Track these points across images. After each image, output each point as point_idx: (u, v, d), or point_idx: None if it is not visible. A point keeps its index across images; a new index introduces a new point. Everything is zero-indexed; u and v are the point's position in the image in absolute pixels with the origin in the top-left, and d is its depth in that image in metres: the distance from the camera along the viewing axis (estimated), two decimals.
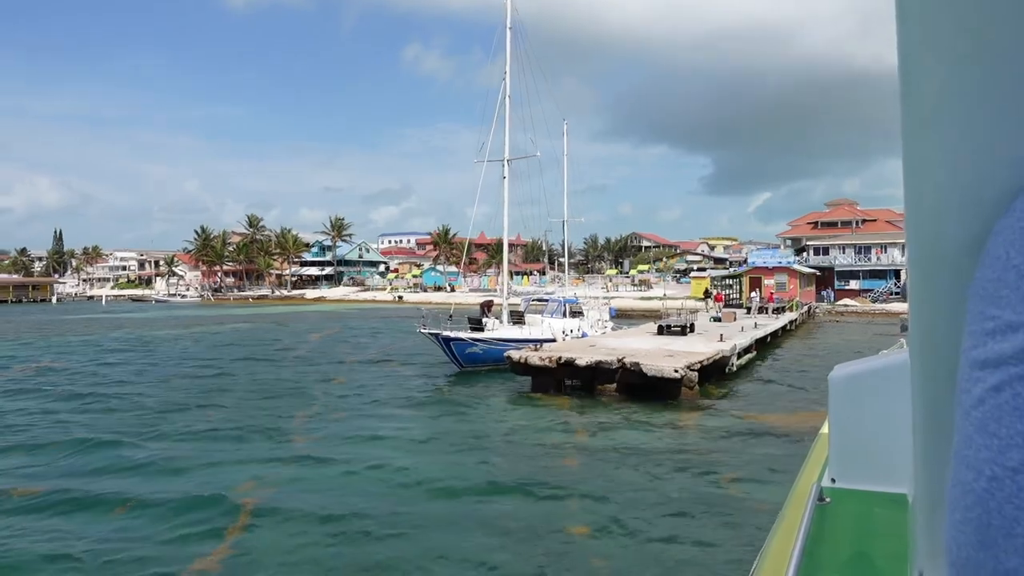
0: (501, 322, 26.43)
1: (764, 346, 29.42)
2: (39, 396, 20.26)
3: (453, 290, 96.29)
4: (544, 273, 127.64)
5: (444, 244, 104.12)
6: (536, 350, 20.58)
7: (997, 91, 0.56)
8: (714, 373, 21.24)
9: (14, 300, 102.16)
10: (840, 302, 59.39)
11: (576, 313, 31.94)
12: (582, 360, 18.97)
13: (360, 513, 10.06)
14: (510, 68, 26.77)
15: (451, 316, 24.16)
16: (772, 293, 39.45)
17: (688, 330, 26.52)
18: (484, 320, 26.31)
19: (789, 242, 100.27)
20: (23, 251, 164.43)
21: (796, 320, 40.86)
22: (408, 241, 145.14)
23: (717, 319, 33.52)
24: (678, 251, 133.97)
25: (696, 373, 18.41)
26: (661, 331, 26.13)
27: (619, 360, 18.76)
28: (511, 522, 9.64)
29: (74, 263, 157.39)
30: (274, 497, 10.75)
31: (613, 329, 31.11)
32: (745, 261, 49.86)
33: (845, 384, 2.92)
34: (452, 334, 23.21)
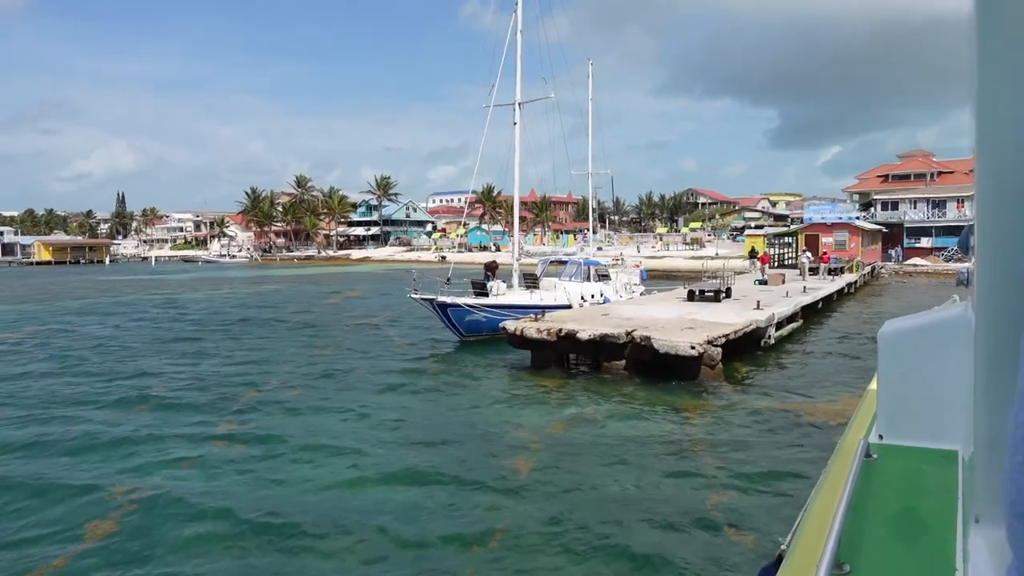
0: (511, 286, 23.78)
1: (815, 313, 25.97)
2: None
3: (498, 249, 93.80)
4: (595, 232, 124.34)
5: (488, 203, 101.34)
6: (538, 319, 17.91)
7: None
8: (747, 347, 18.20)
9: (72, 261, 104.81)
10: (909, 261, 54.40)
11: (604, 276, 29.01)
12: (585, 333, 16.22)
13: (273, 510, 8.42)
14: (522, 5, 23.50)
15: (448, 279, 21.61)
16: (826, 253, 35.47)
17: (723, 295, 23.33)
18: (488, 284, 23.73)
19: (856, 197, 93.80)
20: (88, 213, 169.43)
21: (856, 282, 36.86)
22: (458, 200, 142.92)
23: (763, 282, 30.04)
24: (736, 208, 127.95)
25: (719, 349, 15.45)
26: (692, 297, 23.02)
27: (628, 333, 15.93)
28: (430, 523, 8.10)
29: (134, 225, 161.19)
30: (176, 486, 9.30)
31: (642, 294, 28.09)
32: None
33: (895, 340, 2.89)
34: (449, 299, 20.72)
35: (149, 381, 16.41)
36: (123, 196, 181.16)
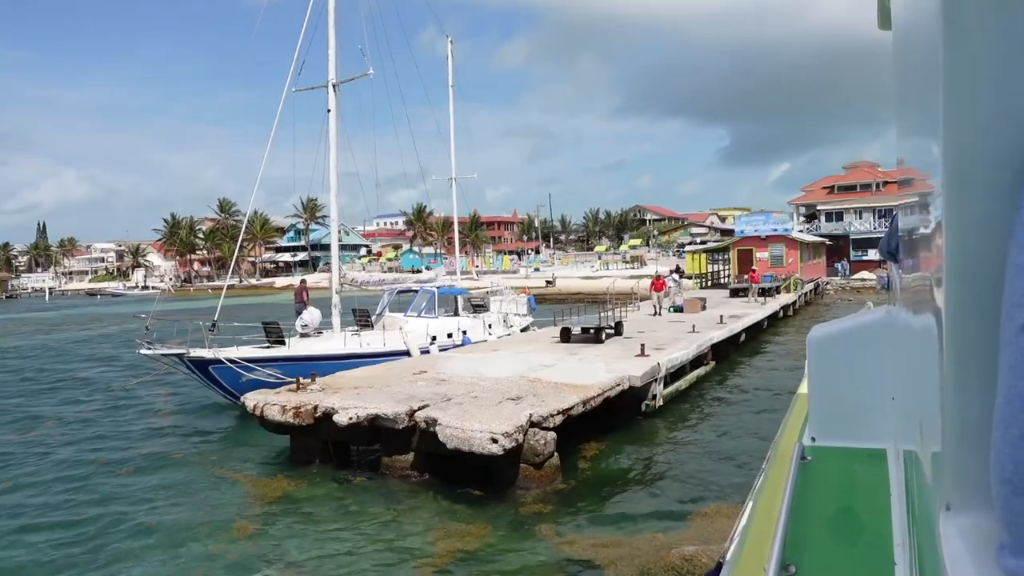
0: (310, 325, 17.80)
1: (735, 349, 20.51)
2: None
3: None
4: (539, 252, 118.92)
5: (419, 223, 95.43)
6: (300, 386, 11.94)
7: None
8: (619, 415, 12.56)
9: None
10: (856, 275, 49.93)
11: (479, 307, 23.20)
12: (346, 414, 10.30)
13: None
14: None
15: (215, 324, 15.51)
16: (755, 271, 30.21)
17: (610, 333, 17.71)
18: (301, 320, 17.75)
19: (803, 209, 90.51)
20: (5, 245, 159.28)
21: (795, 303, 31.73)
22: (397, 223, 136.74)
23: (678, 309, 24.58)
24: (683, 223, 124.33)
25: (551, 435, 9.72)
26: (566, 336, 17.33)
27: (410, 415, 10.09)
28: None
29: (53, 257, 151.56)
30: None
31: (524, 329, 22.31)
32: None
33: (823, 344, 2.95)
34: (208, 354, 14.61)
35: None
36: (44, 226, 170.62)
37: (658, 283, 22.89)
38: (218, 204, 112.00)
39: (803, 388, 4.11)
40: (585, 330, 17.35)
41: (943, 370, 0.72)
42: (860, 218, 57.10)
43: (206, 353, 14.64)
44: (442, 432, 9.43)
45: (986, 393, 0.64)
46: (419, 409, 10.21)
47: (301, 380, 12.24)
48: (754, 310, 25.12)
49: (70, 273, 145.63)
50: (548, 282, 66.03)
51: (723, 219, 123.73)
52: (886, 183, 68.85)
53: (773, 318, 27.08)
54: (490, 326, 21.41)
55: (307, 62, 18.31)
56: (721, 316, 20.78)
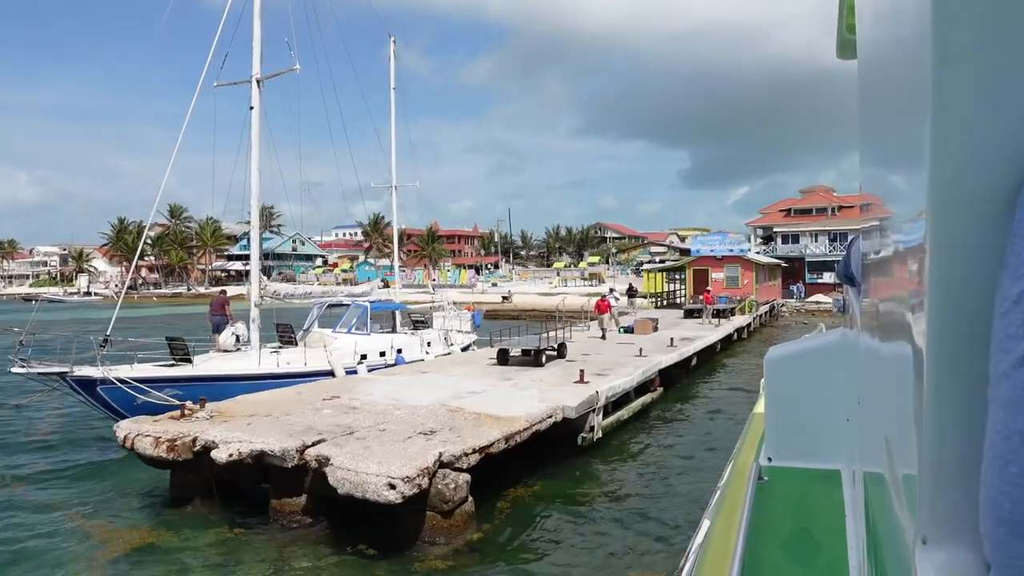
0: (242, 339, 16.24)
1: (686, 374, 19.45)
2: None
3: (387, 285, 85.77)
4: (498, 266, 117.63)
5: (376, 235, 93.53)
6: (183, 415, 10.38)
7: None
8: (552, 450, 11.29)
9: None
10: (812, 298, 49.76)
11: (419, 323, 21.80)
12: (226, 449, 8.80)
13: None
14: None
15: (107, 339, 13.84)
16: (709, 291, 29.33)
17: (552, 355, 16.47)
18: (224, 334, 16.19)
19: (760, 231, 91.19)
20: None
21: (750, 325, 30.97)
22: (355, 234, 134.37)
23: (628, 330, 23.48)
24: (643, 242, 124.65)
25: (464, 477, 8.37)
26: (503, 359, 16.02)
27: (300, 451, 8.65)
28: None
29: None
30: None
31: (465, 348, 20.93)
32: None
33: (780, 365, 2.96)
34: (96, 373, 12.93)
35: None
36: None
37: (602, 304, 21.45)
38: (168, 209, 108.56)
39: (759, 407, 4.14)
40: (526, 352, 16.06)
41: (921, 401, 0.70)
42: (816, 241, 57.21)
43: (93, 372, 12.95)
44: (333, 474, 8.02)
45: (967, 426, 0.64)
46: (312, 445, 8.78)
47: (188, 405, 10.68)
48: (707, 332, 24.16)
49: (10, 277, 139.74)
50: (504, 298, 64.80)
51: (683, 239, 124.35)
52: (841, 207, 69.52)
53: (727, 340, 26.18)
54: (429, 344, 19.99)
55: (232, 56, 16.81)
56: (672, 339, 19.70)
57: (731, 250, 36.03)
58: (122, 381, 12.75)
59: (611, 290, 24.94)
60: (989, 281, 0.61)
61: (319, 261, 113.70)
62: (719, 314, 28.63)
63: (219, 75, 16.59)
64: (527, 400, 11.58)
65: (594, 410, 12.13)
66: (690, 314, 30.24)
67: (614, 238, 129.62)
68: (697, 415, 15.63)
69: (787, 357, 3.02)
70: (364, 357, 17.21)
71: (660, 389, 16.37)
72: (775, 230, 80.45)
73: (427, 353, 19.07)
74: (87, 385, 12.95)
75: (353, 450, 8.52)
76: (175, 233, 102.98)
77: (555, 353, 16.74)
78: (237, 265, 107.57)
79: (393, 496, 7.60)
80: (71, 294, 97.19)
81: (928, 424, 0.70)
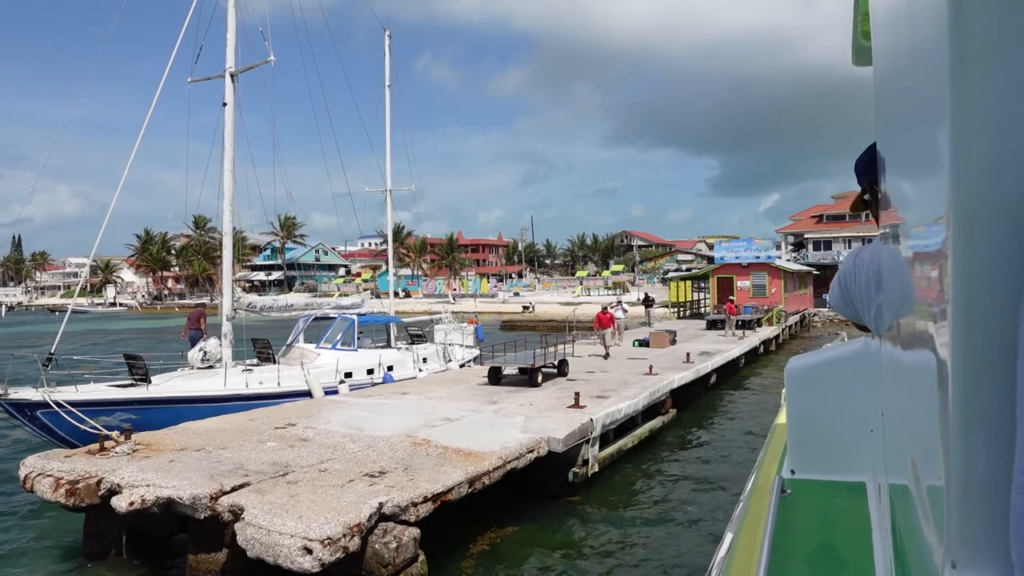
0: (211, 356, 14.90)
1: (705, 391, 17.66)
2: None
3: (408, 295, 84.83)
4: (522, 276, 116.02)
5: (396, 244, 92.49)
6: (101, 449, 8.97)
7: None
8: (536, 488, 9.70)
9: None
10: None
11: (417, 337, 20.33)
12: (127, 496, 7.34)
13: None
14: None
15: (51, 357, 12.55)
16: (732, 301, 27.20)
17: (551, 372, 14.83)
18: (197, 350, 14.94)
19: (791, 238, 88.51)
20: None
21: (778, 337, 28.95)
22: (379, 244, 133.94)
23: (643, 343, 21.71)
24: (671, 250, 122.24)
25: (408, 536, 6.81)
26: (495, 378, 14.43)
27: (213, 498, 7.15)
28: None
29: (24, 271, 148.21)
30: None
31: (464, 364, 19.33)
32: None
33: (801, 376, 2.93)
34: (35, 395, 11.61)
35: None
36: (19, 240, 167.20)
37: (603, 317, 19.27)
38: (193, 220, 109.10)
39: (781, 418, 4.11)
40: (523, 371, 14.44)
41: (947, 414, 0.68)
42: (849, 247, 54.68)
43: (32, 394, 11.65)
44: (243, 532, 6.51)
45: (996, 441, 0.63)
46: (231, 491, 7.28)
47: (115, 436, 9.27)
48: (730, 345, 22.29)
49: (42, 288, 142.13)
50: (525, 307, 63.23)
51: (711, 246, 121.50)
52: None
53: (753, 354, 24.26)
54: (425, 360, 18.48)
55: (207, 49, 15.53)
56: (688, 354, 17.91)
57: (757, 257, 33.97)
58: (59, 405, 11.42)
59: (619, 301, 23.08)
60: (1014, 288, 0.60)
61: (342, 271, 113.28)
62: (744, 325, 26.69)
63: (193, 70, 15.35)
64: (507, 430, 9.98)
65: (588, 440, 10.47)
66: (713, 325, 28.32)
67: (641, 246, 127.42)
68: (714, 441, 13.86)
69: (809, 367, 2.98)
70: (349, 375, 15.77)
71: (673, 411, 14.63)
72: (806, 236, 77.84)
73: (420, 371, 17.56)
74: (25, 409, 11.65)
75: (276, 499, 7.01)
76: (199, 244, 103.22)
77: (555, 371, 15.10)
78: (260, 275, 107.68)
79: (309, 563, 6.06)
80: (97, 304, 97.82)
81: (955, 439, 0.67)
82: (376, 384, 15.82)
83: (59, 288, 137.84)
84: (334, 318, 17.20)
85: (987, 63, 0.60)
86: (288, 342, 16.84)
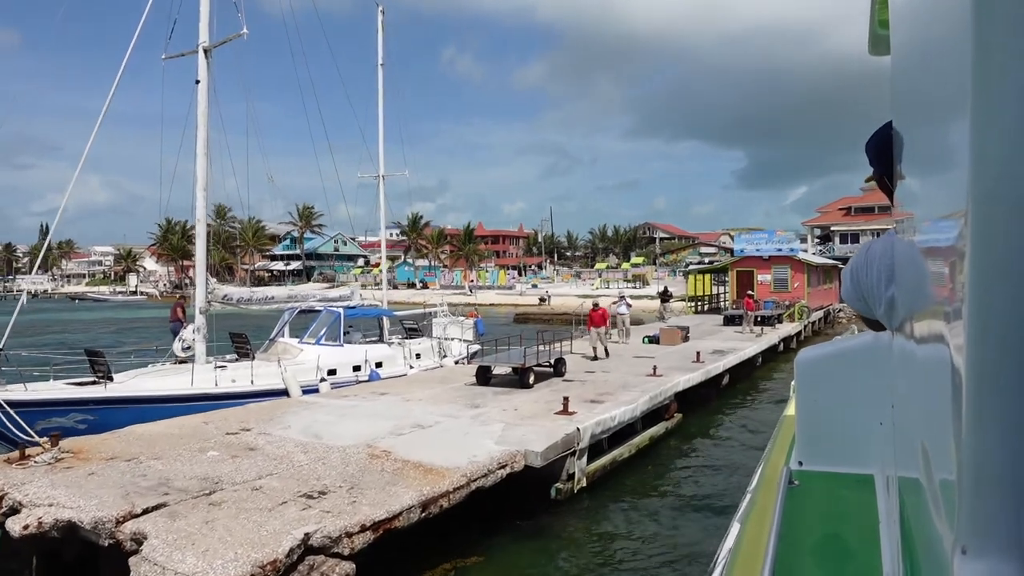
0: (184, 350, 14.03)
1: (717, 393, 16.42)
2: None
3: (425, 287, 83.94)
4: (541, 267, 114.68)
5: (414, 235, 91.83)
6: (21, 458, 8.02)
7: None
8: (514, 505, 8.62)
9: None
10: None
11: (413, 331, 19.32)
12: (26, 516, 6.37)
13: None
14: None
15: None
16: (750, 296, 25.67)
17: (545, 372, 13.70)
18: (179, 341, 14.13)
19: (817, 231, 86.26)
20: (7, 246, 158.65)
21: (800, 334, 27.49)
22: (398, 235, 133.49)
23: (653, 340, 20.47)
24: (693, 242, 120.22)
25: (340, 570, 5.74)
26: (484, 378, 13.33)
27: (116, 524, 6.13)
28: None
29: (50, 259, 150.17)
30: None
31: (459, 361, 18.23)
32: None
33: (811, 367, 2.94)
34: None
35: None
36: (47, 228, 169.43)
37: (595, 315, 17.27)
38: (214, 209, 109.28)
39: (790, 410, 4.17)
40: (516, 370, 13.32)
41: (960, 404, 0.69)
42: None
43: None
44: (137, 569, 5.48)
45: (1010, 432, 0.64)
46: (142, 513, 6.28)
47: (42, 443, 8.33)
48: (747, 343, 20.96)
49: (68, 276, 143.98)
50: (542, 300, 62.01)
51: (734, 239, 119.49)
52: None
53: (772, 352, 22.88)
54: (418, 356, 17.44)
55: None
56: (698, 353, 16.64)
57: (779, 249, 32.38)
58: (35, 404, 10.56)
59: (621, 296, 21.74)
60: None
61: (361, 261, 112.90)
62: (763, 321, 25.27)
63: (167, 46, 14.39)
64: (482, 440, 8.88)
65: (574, 452, 9.34)
66: (730, 321, 26.93)
67: (663, 238, 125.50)
68: (722, 449, 12.65)
69: (818, 359, 2.97)
70: (333, 372, 14.79)
71: (678, 416, 13.44)
72: (832, 229, 75.69)
73: (411, 367, 16.52)
74: None
75: (187, 526, 5.99)
76: (217, 233, 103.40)
77: (551, 370, 13.97)
78: (279, 265, 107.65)
79: None
80: (118, 293, 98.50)
81: (968, 429, 0.68)
82: (361, 382, 14.82)
83: (84, 276, 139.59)
84: (320, 311, 16.20)
85: (1012, 54, 0.58)
86: (271, 336, 15.90)
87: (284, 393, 13.32)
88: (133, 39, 12.85)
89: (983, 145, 0.62)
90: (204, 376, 12.77)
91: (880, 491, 2.33)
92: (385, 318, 18.04)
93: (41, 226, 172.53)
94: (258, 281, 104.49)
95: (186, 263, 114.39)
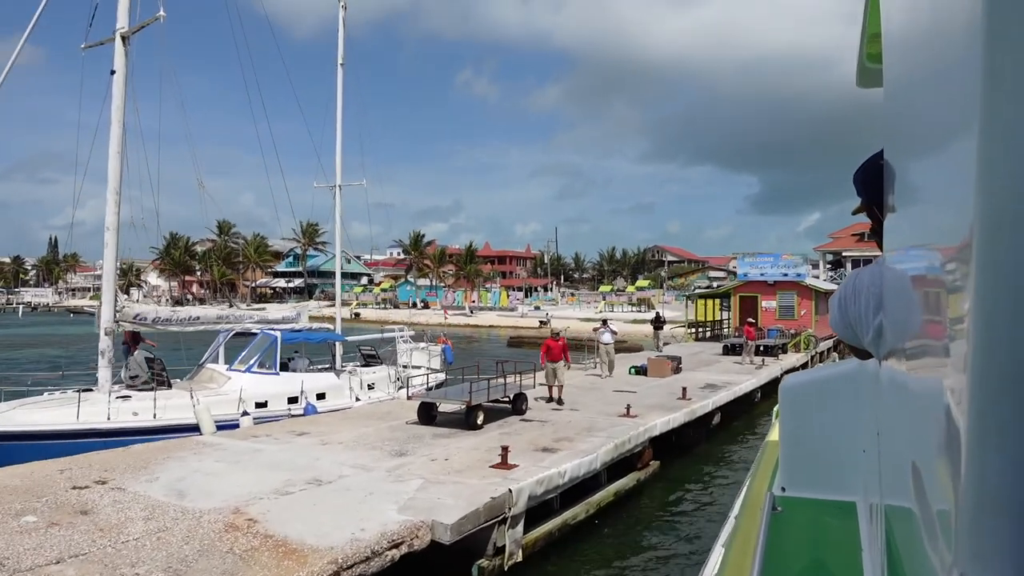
0: (134, 373, 12.35)
1: (707, 436, 14.45)
2: None
3: (426, 306, 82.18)
4: (547, 289, 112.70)
5: (416, 253, 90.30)
6: None
7: None
8: None
9: None
10: None
11: (371, 357, 17.51)
12: None
13: None
14: None
15: None
16: (752, 324, 23.61)
17: (503, 408, 11.80)
18: (128, 368, 12.48)
19: (829, 256, 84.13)
20: (16, 258, 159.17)
21: (805, 365, 25.39)
22: (400, 254, 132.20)
23: (639, 371, 18.52)
24: (702, 266, 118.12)
25: None
26: (426, 416, 11.46)
27: None
28: None
29: (56, 272, 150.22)
30: None
31: (431, 388, 16.34)
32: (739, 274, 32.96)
33: (795, 393, 2.92)
34: None
35: None
36: (55, 241, 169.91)
37: (555, 346, 14.14)
38: (216, 225, 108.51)
39: (773, 435, 4.12)
40: (474, 408, 11.37)
41: (959, 429, 0.68)
42: None
43: None
44: None
45: (1011, 455, 0.63)
46: None
47: None
48: (744, 376, 18.98)
49: (73, 290, 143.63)
50: (542, 322, 60.06)
51: (738, 262, 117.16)
52: None
53: (772, 386, 20.83)
54: (371, 386, 15.57)
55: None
56: (684, 389, 14.68)
57: (785, 275, 30.40)
58: None
59: (604, 322, 19.71)
60: None
61: (364, 279, 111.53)
62: (765, 351, 23.24)
63: (87, 34, 12.82)
64: (382, 505, 7.01)
65: (504, 520, 7.45)
66: (731, 350, 24.93)
67: (672, 262, 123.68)
68: (705, 505, 10.69)
69: (803, 385, 2.97)
70: (264, 404, 12.98)
71: (654, 464, 11.50)
72: (844, 255, 73.65)
73: (358, 399, 14.66)
74: None
75: None
76: (220, 248, 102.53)
77: (510, 406, 12.09)
78: (281, 282, 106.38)
79: None
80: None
81: (969, 458, 0.67)
82: (295, 415, 13.00)
83: (88, 290, 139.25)
84: (255, 334, 14.41)
85: (1021, 90, 0.58)
86: (200, 361, 14.13)
87: (196, 429, 11.51)
88: (30, 26, 11.30)
89: (991, 173, 0.60)
90: (97, 408, 10.98)
91: (863, 518, 2.33)
92: (337, 343, 16.23)
93: (50, 239, 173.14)
94: (261, 298, 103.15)
95: (188, 278, 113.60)
